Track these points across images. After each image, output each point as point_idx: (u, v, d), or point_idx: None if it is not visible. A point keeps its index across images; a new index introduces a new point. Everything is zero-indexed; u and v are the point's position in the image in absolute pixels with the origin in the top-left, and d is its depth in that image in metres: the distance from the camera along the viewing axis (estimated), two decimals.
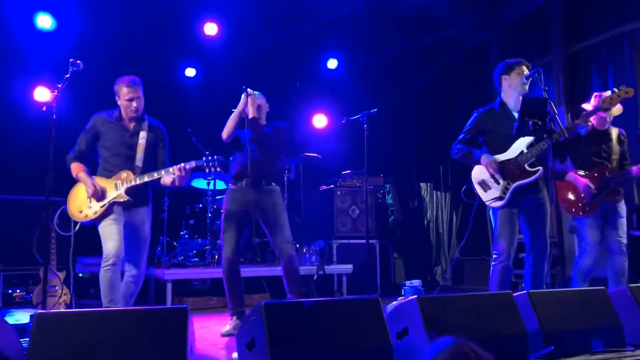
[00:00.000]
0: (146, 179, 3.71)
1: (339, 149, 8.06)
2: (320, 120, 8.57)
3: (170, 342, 2.22)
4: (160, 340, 2.20)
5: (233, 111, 4.19)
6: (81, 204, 3.73)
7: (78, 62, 3.45)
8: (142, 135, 3.84)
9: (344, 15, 7.48)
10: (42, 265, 4.34)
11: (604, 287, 3.08)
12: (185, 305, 2.38)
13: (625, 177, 4.40)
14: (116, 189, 3.71)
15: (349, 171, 7.16)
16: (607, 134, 4.52)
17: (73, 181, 3.81)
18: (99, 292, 3.72)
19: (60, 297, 4.63)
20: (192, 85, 8.00)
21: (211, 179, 6.45)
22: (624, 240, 4.40)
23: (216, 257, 6.13)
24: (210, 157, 3.70)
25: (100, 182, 3.74)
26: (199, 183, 6.79)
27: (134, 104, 3.79)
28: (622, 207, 4.50)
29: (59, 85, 3.42)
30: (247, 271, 6.07)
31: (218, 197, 6.59)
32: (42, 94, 6.55)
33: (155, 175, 3.72)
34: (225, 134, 4.17)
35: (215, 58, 7.69)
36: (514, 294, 2.87)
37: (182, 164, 3.65)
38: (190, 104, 7.74)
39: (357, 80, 8.49)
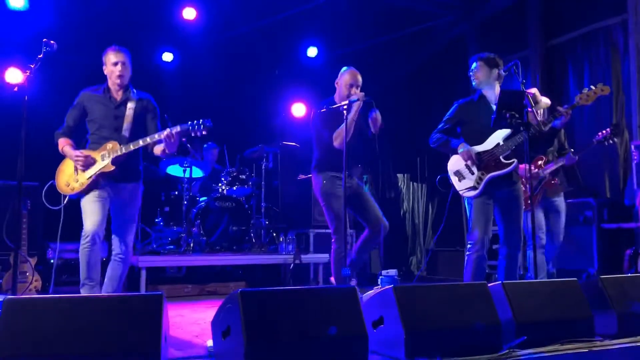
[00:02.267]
0: (132, 147, 3.64)
1: None
2: (299, 109, 8.52)
3: (145, 329, 2.19)
4: (134, 327, 2.17)
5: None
6: (68, 177, 3.68)
7: (52, 42, 3.36)
8: (130, 105, 3.77)
9: (324, 4, 7.44)
10: (12, 251, 4.25)
11: (576, 279, 3.13)
12: (160, 292, 2.35)
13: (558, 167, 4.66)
14: (102, 160, 3.64)
15: None
16: (549, 131, 4.56)
17: (48, 165, 3.76)
18: (71, 278, 3.69)
19: (31, 282, 4.55)
20: (169, 70, 7.88)
21: (187, 166, 6.38)
22: (560, 238, 4.79)
23: (191, 244, 6.07)
24: (196, 121, 3.61)
25: (88, 153, 3.68)
26: (175, 170, 6.70)
27: (119, 67, 3.74)
28: (561, 204, 4.80)
29: (32, 66, 3.33)
30: (223, 259, 6.06)
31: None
32: (14, 75, 6.38)
33: (141, 142, 3.64)
34: (342, 143, 4.00)
35: (193, 43, 7.59)
36: (489, 285, 2.91)
37: (168, 129, 3.58)
38: (167, 89, 7.63)
39: (337, 70, 8.42)
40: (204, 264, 6.12)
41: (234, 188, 6.58)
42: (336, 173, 4.17)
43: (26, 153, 3.28)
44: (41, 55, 3.34)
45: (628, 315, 3.04)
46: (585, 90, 3.92)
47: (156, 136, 3.62)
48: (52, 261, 5.91)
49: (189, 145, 6.14)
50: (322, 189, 4.24)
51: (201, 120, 3.61)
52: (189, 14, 7.08)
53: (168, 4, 6.98)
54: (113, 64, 3.74)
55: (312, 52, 8.32)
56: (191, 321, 4.06)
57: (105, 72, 3.81)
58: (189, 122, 3.62)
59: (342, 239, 4.04)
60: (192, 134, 3.62)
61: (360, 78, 4.30)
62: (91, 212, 3.58)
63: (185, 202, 6.28)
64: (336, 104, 4.19)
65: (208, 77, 7.80)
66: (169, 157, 3.95)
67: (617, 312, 3.03)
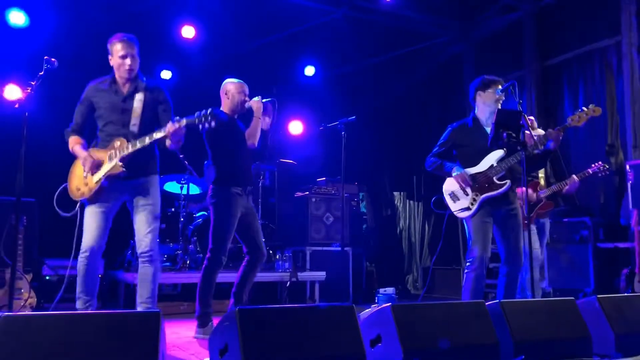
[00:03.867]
0: (138, 145, 3.40)
1: (314, 155, 8.07)
2: (296, 127, 8.57)
3: (142, 347, 2.18)
4: (131, 345, 2.16)
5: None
6: (79, 180, 3.50)
7: (53, 59, 3.35)
8: (138, 97, 3.54)
9: (322, 24, 7.52)
10: (8, 267, 4.23)
11: (573, 298, 3.14)
12: (157, 309, 2.34)
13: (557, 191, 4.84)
14: (110, 160, 3.43)
15: (324, 178, 7.17)
16: (543, 153, 4.59)
17: (44, 182, 3.69)
18: (66, 295, 3.65)
19: (26, 300, 4.51)
20: (167, 88, 7.90)
21: (184, 183, 6.38)
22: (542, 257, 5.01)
23: (187, 262, 6.05)
24: (203, 112, 3.30)
25: (97, 154, 3.48)
26: (172, 187, 6.71)
27: (128, 61, 3.52)
28: (547, 225, 5.02)
29: (32, 83, 3.33)
30: (219, 277, 6.01)
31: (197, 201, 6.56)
32: (12, 92, 6.40)
33: (147, 140, 3.39)
34: (256, 141, 4.04)
35: (192, 61, 7.63)
36: (487, 304, 2.91)
37: (172, 123, 3.33)
38: None
39: (334, 88, 8.53)
40: None
41: None
42: (237, 188, 4.05)
43: (25, 170, 3.26)
44: (42, 73, 3.33)
45: (626, 334, 3.04)
46: (578, 112, 3.97)
47: (162, 132, 3.36)
48: (47, 278, 5.88)
49: (186, 162, 6.14)
50: (220, 204, 4.02)
51: (209, 110, 3.30)
52: (188, 32, 7.14)
53: (167, 23, 7.04)
54: (121, 56, 3.51)
55: (309, 70, 8.39)
56: (187, 340, 4.03)
57: (112, 64, 3.58)
58: (196, 113, 3.32)
59: (218, 257, 3.97)
60: (200, 127, 3.32)
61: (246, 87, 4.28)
62: (91, 225, 3.42)
63: (182, 219, 6.27)
64: (226, 114, 4.16)
65: (206, 95, 7.81)
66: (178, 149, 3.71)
67: (615, 332, 3.03)
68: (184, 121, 3.33)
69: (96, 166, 3.44)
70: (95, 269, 3.48)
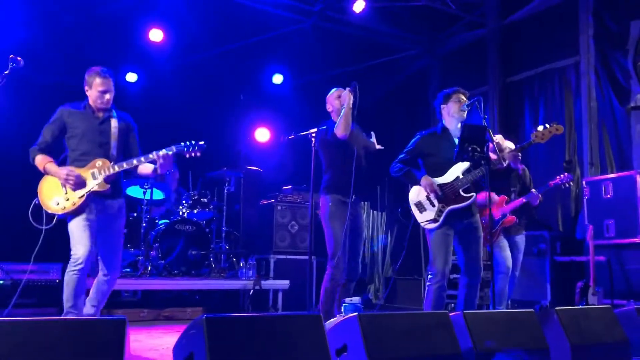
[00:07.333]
0: (125, 166, 3.56)
1: (280, 163, 8.07)
2: (262, 134, 8.56)
3: (106, 355, 2.14)
4: (95, 352, 2.12)
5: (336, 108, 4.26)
6: (57, 195, 3.51)
7: (18, 58, 3.29)
8: (114, 123, 3.69)
9: (291, 32, 7.56)
10: None
11: (533, 310, 3.22)
12: (123, 316, 2.30)
13: (521, 206, 4.73)
14: (94, 178, 3.52)
15: (290, 186, 7.17)
16: (505, 169, 4.62)
17: (13, 182, 3.63)
18: (20, 300, 3.60)
19: None
20: (132, 91, 7.79)
21: (147, 188, 6.28)
22: (517, 273, 4.86)
23: (149, 268, 5.95)
24: (190, 142, 3.55)
25: (77, 171, 3.53)
26: (134, 192, 6.59)
27: (107, 96, 3.66)
28: (521, 242, 4.88)
29: None
30: (181, 284, 5.96)
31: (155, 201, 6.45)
32: None
33: (135, 162, 3.56)
34: (345, 131, 4.09)
35: (159, 65, 7.55)
36: (450, 314, 2.96)
37: (164, 150, 3.52)
38: (129, 109, 7.50)
39: (302, 97, 8.55)
40: (161, 288, 6.00)
41: (195, 211, 6.51)
42: (343, 197, 4.17)
43: None
44: (7, 72, 3.27)
45: (581, 346, 3.14)
46: (541, 129, 4.05)
47: (151, 156, 3.53)
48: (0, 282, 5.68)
49: None
50: (328, 211, 4.18)
51: (194, 142, 3.55)
52: (156, 35, 7.06)
53: (135, 25, 6.95)
54: (101, 92, 3.64)
55: (277, 79, 8.41)
56: (148, 347, 3.97)
57: (88, 94, 3.69)
58: (183, 143, 3.55)
59: (338, 265, 4.07)
60: (187, 155, 3.55)
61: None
62: (82, 237, 3.45)
63: (144, 225, 6.17)
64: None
65: (172, 100, 7.75)
66: (156, 178, 3.90)
67: (571, 342, 3.12)
68: (173, 148, 3.52)
69: (80, 183, 3.49)
70: (84, 281, 3.49)
